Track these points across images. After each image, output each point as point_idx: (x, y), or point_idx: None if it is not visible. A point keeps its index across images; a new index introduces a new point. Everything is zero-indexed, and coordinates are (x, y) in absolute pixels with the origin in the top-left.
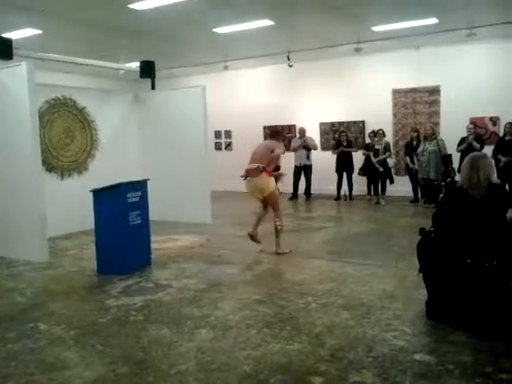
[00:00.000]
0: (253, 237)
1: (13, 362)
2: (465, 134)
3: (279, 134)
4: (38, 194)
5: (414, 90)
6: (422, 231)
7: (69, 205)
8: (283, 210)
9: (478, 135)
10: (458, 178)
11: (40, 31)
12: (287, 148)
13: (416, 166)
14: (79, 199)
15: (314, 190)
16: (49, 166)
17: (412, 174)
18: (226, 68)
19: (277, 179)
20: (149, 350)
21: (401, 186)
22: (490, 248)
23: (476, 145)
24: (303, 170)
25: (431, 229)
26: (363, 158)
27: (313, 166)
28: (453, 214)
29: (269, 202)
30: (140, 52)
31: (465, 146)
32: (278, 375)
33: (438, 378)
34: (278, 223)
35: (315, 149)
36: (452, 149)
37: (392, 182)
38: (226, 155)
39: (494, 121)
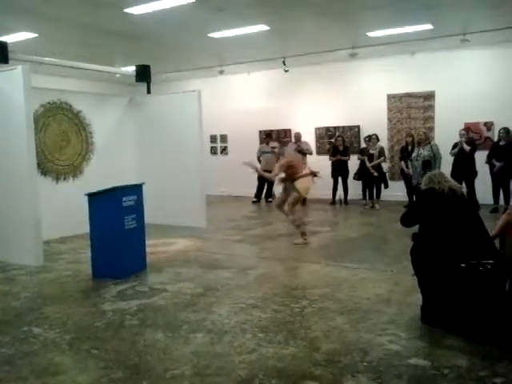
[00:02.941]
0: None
1: (7, 367)
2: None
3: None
4: (32, 197)
5: (408, 95)
6: (415, 236)
7: (64, 208)
8: (278, 215)
9: (471, 139)
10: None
11: (36, 35)
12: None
13: (411, 171)
14: (74, 203)
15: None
16: (44, 169)
17: (407, 179)
18: (221, 72)
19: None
20: (144, 354)
21: (396, 191)
22: (483, 251)
23: (466, 147)
24: None
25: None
26: (358, 162)
27: None
28: (435, 214)
29: None
30: (136, 56)
31: (455, 152)
32: (273, 379)
33: (433, 382)
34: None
35: (310, 154)
36: (446, 153)
37: (386, 186)
38: (222, 160)
39: (489, 126)
